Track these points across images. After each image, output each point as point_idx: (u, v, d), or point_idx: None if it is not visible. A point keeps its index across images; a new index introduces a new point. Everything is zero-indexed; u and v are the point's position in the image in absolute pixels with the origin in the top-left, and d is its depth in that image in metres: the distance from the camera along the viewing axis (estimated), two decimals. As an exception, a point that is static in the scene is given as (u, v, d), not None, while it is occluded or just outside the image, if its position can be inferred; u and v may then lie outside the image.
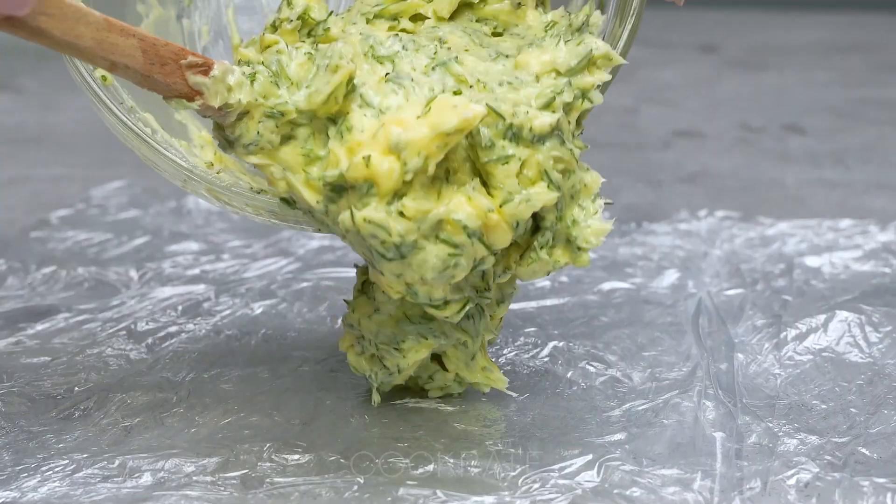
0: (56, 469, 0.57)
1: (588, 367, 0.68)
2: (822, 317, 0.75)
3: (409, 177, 0.56)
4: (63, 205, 1.00)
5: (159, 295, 0.80)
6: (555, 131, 0.58)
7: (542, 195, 0.58)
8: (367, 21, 0.64)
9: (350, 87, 0.59)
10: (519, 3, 0.65)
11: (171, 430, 0.62)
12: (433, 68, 0.60)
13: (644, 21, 0.65)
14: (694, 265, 0.86)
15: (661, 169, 1.14)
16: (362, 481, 0.56)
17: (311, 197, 0.59)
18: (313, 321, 0.77)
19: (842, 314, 0.75)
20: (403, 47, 0.61)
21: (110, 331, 0.74)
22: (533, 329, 0.74)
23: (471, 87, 0.59)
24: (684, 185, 1.09)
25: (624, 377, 0.68)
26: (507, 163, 0.58)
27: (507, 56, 0.62)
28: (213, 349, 0.72)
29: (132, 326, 0.75)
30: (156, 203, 1.00)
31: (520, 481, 0.56)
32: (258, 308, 0.78)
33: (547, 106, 0.59)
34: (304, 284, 0.82)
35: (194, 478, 0.56)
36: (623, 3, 0.65)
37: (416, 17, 0.65)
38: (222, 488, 0.55)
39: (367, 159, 0.55)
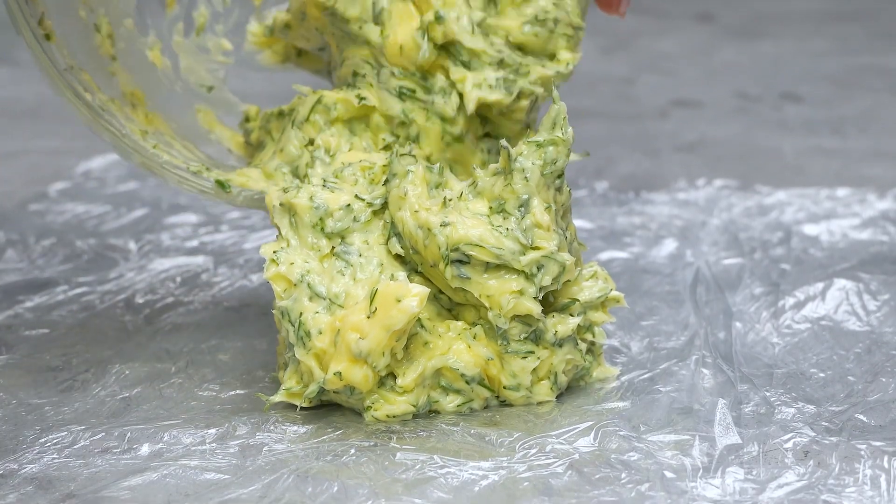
0: (54, 441, 0.57)
1: (586, 336, 0.68)
2: (820, 285, 0.75)
3: (382, 372, 0.58)
4: (61, 177, 1.00)
5: (158, 267, 0.80)
6: (573, 335, 0.61)
7: (541, 394, 0.61)
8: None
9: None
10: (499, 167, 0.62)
11: (170, 402, 0.62)
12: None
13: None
14: (692, 234, 0.86)
15: (659, 138, 1.14)
16: (360, 445, 0.56)
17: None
18: (311, 292, 0.77)
19: (840, 282, 0.75)
20: (354, 219, 0.60)
21: (109, 303, 0.74)
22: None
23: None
24: (682, 154, 1.09)
25: (622, 346, 0.68)
26: (525, 357, 0.60)
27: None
28: (212, 321, 0.72)
29: (131, 298, 0.75)
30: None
31: (517, 446, 0.56)
32: (257, 279, 0.78)
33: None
34: (302, 255, 0.82)
35: (193, 448, 0.56)
36: None
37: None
38: (221, 457, 0.56)
39: (339, 375, 0.57)
